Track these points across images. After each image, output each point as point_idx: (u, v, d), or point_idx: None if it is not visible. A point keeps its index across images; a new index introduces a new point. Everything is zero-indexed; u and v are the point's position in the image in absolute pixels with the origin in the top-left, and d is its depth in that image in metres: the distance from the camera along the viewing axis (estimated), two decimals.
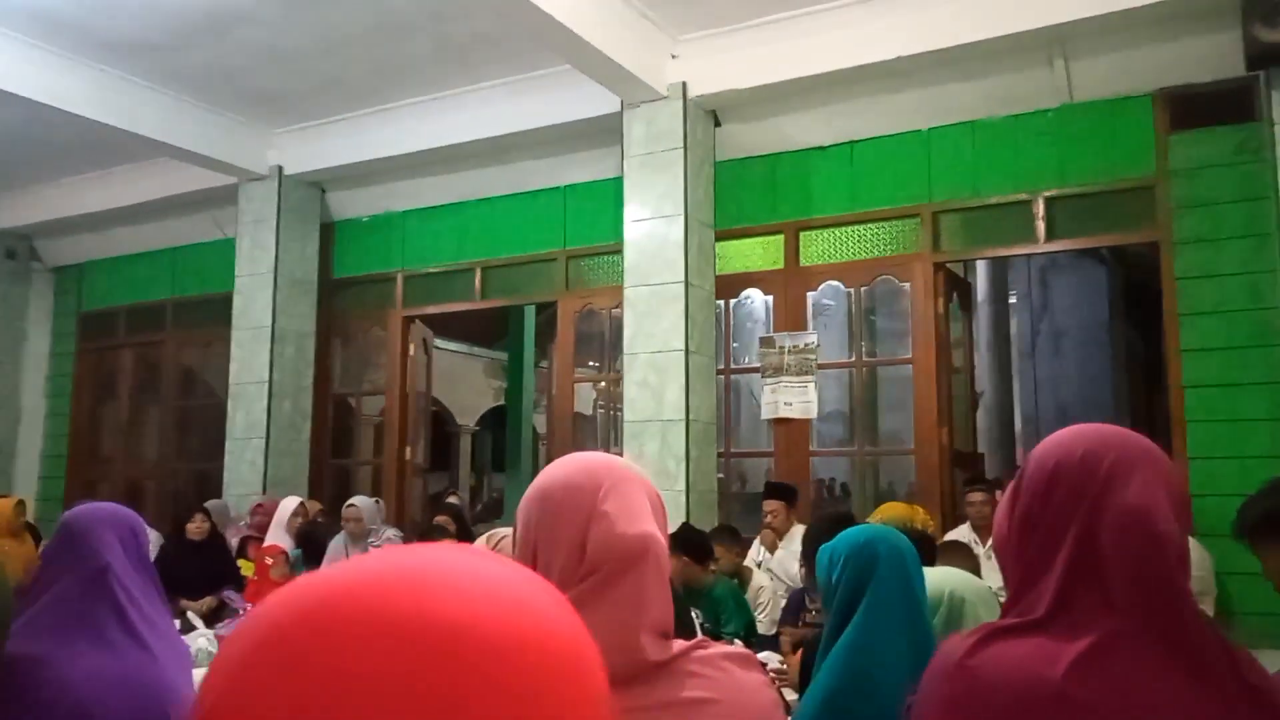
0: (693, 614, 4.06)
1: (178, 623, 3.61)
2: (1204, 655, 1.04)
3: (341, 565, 0.46)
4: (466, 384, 15.63)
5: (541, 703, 0.43)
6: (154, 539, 6.24)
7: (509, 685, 0.43)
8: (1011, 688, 1.05)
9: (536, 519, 1.16)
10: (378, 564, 0.46)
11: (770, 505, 5.22)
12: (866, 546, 1.98)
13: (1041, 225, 5.37)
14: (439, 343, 10.74)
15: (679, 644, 1.14)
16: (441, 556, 0.47)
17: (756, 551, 5.33)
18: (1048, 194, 5.36)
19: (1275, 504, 2.41)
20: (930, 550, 3.50)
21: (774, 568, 5.10)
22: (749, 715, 1.12)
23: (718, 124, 6.05)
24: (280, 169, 7.35)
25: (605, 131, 6.11)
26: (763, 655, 3.79)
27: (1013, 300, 11.23)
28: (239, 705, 0.42)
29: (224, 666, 0.44)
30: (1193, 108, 5.02)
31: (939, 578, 2.13)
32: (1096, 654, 1.04)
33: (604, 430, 10.60)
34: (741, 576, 4.87)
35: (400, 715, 0.40)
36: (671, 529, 4.55)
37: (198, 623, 4.32)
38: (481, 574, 0.46)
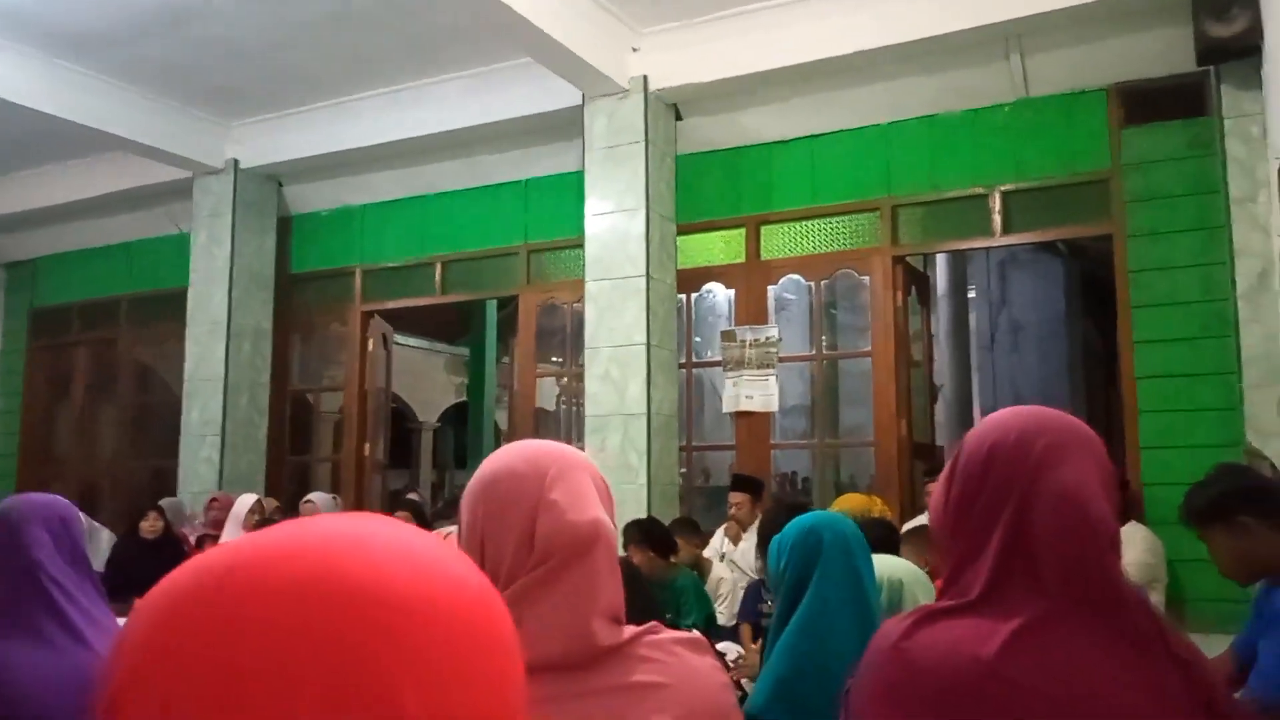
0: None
1: None
2: (1134, 632, 1.05)
3: (251, 534, 0.46)
4: (428, 380, 15.53)
5: (451, 660, 0.44)
6: (107, 538, 6.15)
7: (417, 643, 0.43)
8: (945, 668, 1.05)
9: (483, 510, 1.15)
10: (287, 530, 0.46)
11: (736, 498, 5.23)
12: (811, 534, 2.01)
13: (998, 219, 5.43)
14: (399, 339, 10.66)
15: (631, 629, 1.14)
16: (350, 523, 0.47)
17: (720, 543, 5.34)
18: (1004, 188, 5.41)
19: (1220, 490, 2.45)
20: (892, 536, 3.56)
21: (738, 559, 5.12)
22: (700, 699, 1.12)
23: (679, 118, 6.05)
24: (236, 162, 7.25)
25: (567, 125, 6.08)
26: (723, 646, 3.81)
27: (972, 295, 11.34)
28: (150, 668, 0.42)
29: (133, 632, 0.43)
30: (1146, 102, 5.09)
31: (878, 564, 2.17)
32: (1028, 633, 1.04)
33: (566, 425, 10.58)
34: (700, 568, 4.89)
35: (308, 670, 0.40)
36: (631, 519, 4.56)
37: None
38: (390, 538, 0.46)
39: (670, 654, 1.14)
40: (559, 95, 5.92)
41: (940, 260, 9.91)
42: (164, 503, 6.12)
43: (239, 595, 0.42)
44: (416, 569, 0.45)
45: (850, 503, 4.61)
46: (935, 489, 1.23)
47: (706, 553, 5.15)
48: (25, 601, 1.78)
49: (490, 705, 0.45)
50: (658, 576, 4.35)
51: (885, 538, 3.22)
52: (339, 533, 0.46)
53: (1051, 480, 1.10)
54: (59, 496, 2.04)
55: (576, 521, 1.11)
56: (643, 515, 5.37)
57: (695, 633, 1.23)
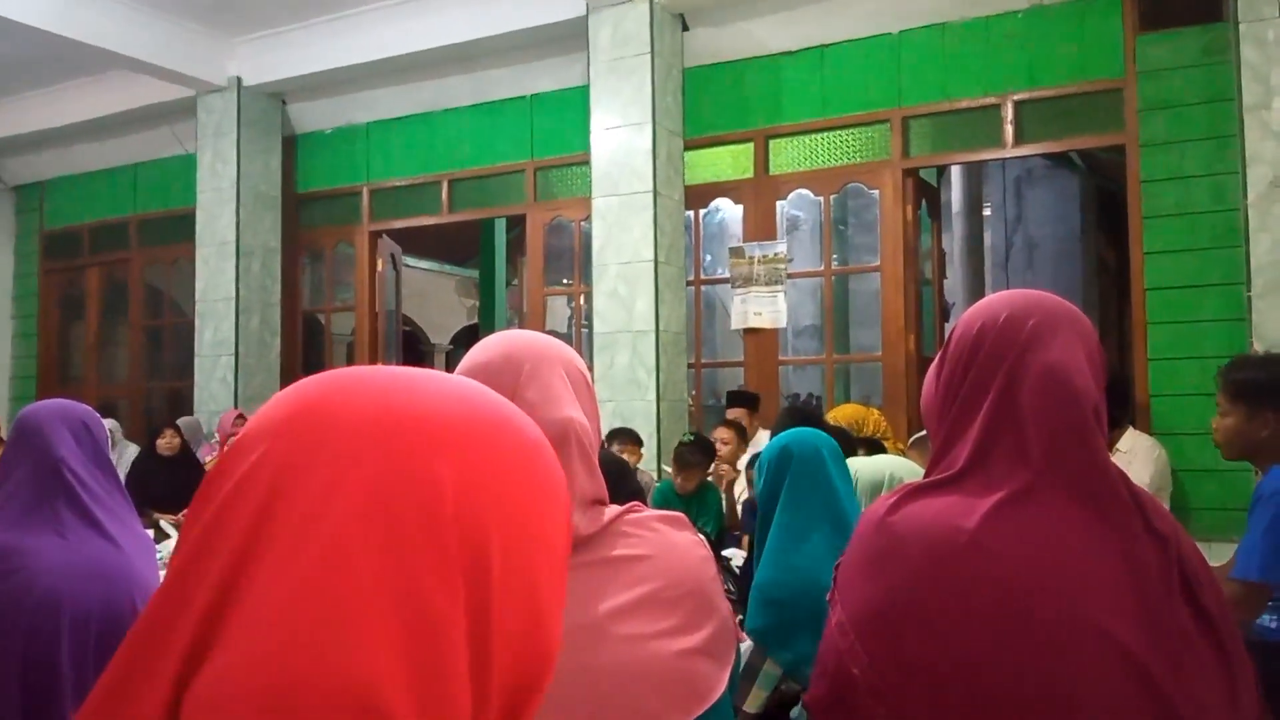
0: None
1: (151, 532, 3.64)
2: (1112, 504, 1.08)
3: (340, 373, 0.55)
4: (439, 302, 15.56)
5: (486, 461, 0.52)
6: (132, 453, 6.27)
7: (456, 445, 0.51)
8: (928, 539, 1.08)
9: None
10: (367, 373, 0.55)
11: (733, 413, 5.29)
12: (781, 450, 2.20)
13: (1010, 129, 5.35)
14: (410, 261, 10.65)
15: (613, 510, 1.18)
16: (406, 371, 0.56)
17: None
18: (1017, 97, 5.32)
19: (1259, 372, 2.49)
20: (844, 441, 3.67)
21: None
22: (680, 569, 1.16)
23: (686, 28, 5.95)
24: (239, 80, 7.18)
25: (571, 37, 5.99)
26: (729, 552, 3.91)
27: (987, 213, 11.22)
28: (255, 435, 0.54)
29: (255, 420, 0.56)
30: (1161, 8, 4.97)
31: (880, 464, 2.28)
32: (1009, 505, 1.07)
33: (578, 346, 10.62)
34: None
35: (365, 456, 0.50)
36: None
37: (172, 532, 4.36)
38: (442, 378, 0.57)
39: (651, 529, 1.19)
40: (563, 5, 5.82)
41: (956, 178, 9.80)
42: (181, 421, 6.21)
43: (326, 418, 0.52)
44: (463, 401, 0.54)
45: (844, 412, 4.70)
46: (929, 371, 1.25)
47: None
48: (50, 497, 1.83)
49: (524, 503, 0.53)
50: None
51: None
52: (398, 375, 0.55)
53: (1039, 357, 1.12)
54: (80, 402, 2.07)
55: (546, 419, 1.13)
56: (652, 431, 5.46)
57: (676, 512, 1.27)
